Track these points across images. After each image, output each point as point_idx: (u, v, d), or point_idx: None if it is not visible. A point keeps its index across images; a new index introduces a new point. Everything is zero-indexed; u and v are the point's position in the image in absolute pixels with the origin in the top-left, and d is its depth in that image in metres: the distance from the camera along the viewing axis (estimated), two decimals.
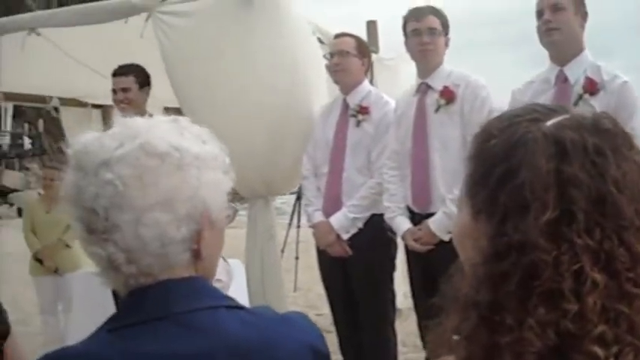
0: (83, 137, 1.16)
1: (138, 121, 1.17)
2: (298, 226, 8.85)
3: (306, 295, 8.91)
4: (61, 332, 6.43)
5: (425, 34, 3.69)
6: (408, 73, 6.20)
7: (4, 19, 4.53)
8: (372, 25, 6.17)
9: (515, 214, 0.89)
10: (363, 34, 6.06)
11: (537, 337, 0.84)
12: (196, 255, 1.16)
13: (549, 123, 0.93)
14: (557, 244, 0.86)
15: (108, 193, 1.09)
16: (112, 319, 1.15)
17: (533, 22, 3.27)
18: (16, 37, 4.24)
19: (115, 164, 1.10)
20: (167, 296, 1.13)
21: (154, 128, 1.16)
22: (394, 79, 6.26)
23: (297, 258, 8.66)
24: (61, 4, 41.43)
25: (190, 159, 1.14)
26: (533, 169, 0.89)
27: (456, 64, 3.84)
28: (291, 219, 8.92)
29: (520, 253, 0.87)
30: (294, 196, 8.37)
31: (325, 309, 7.92)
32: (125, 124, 1.17)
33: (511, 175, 0.91)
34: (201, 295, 1.16)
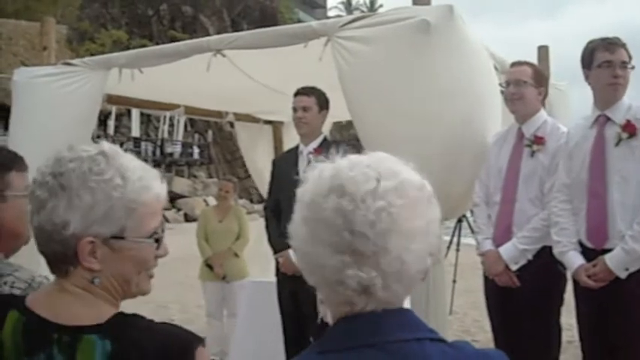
0: (339, 163, 1.24)
1: (382, 154, 1.27)
2: (457, 249, 8.76)
3: (462, 320, 8.79)
4: (224, 335, 6.75)
5: (618, 67, 3.59)
6: (578, 98, 6.01)
7: (193, 41, 4.83)
8: (543, 50, 6.01)
9: None
10: (533, 59, 5.94)
11: None
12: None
13: None
14: None
15: (383, 219, 1.16)
16: (323, 342, 1.22)
17: None
18: (202, 57, 4.50)
19: (384, 193, 1.18)
20: (380, 325, 1.19)
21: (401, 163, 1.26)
22: (565, 104, 6.07)
23: (454, 281, 8.57)
24: (232, 20, 43.61)
25: (431, 195, 1.24)
26: None
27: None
28: (451, 241, 8.84)
29: None
30: (454, 219, 8.29)
31: (480, 335, 7.80)
32: (375, 156, 1.26)
33: None
34: (410, 326, 1.21)
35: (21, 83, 4.82)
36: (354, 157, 1.25)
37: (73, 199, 1.40)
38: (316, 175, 1.23)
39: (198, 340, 1.43)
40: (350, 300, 1.19)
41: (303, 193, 1.24)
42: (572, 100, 6.34)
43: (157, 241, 1.51)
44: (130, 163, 1.47)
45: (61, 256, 1.44)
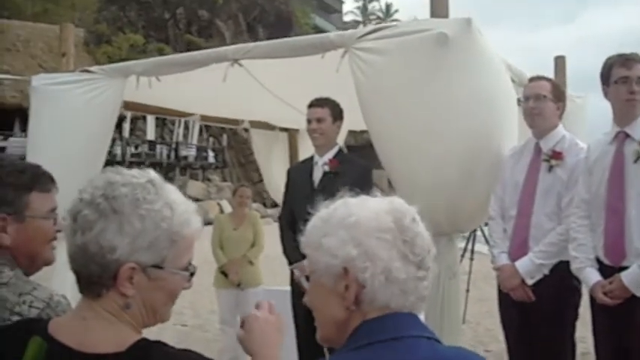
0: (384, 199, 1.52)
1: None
2: (471, 258, 8.72)
3: (474, 330, 8.76)
4: (238, 343, 6.74)
5: (634, 82, 3.56)
6: (594, 110, 5.99)
7: (211, 50, 4.84)
8: (560, 61, 5.99)
9: None
10: (550, 66, 5.92)
11: None
12: None
13: None
14: None
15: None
16: (354, 340, 1.43)
17: None
18: (219, 66, 4.51)
19: None
20: (402, 324, 1.44)
21: None
22: (581, 117, 6.03)
23: (467, 290, 8.52)
24: (248, 25, 43.74)
25: None
26: None
27: None
28: (465, 250, 8.80)
29: None
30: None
31: (493, 346, 7.77)
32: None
33: None
34: (419, 326, 1.46)
35: (39, 89, 4.84)
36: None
37: (124, 225, 1.42)
38: (376, 207, 1.47)
39: None
40: (414, 307, 1.46)
41: (374, 219, 1.45)
42: (589, 111, 6.31)
43: (192, 274, 1.55)
44: (175, 195, 1.52)
45: (97, 279, 1.45)
